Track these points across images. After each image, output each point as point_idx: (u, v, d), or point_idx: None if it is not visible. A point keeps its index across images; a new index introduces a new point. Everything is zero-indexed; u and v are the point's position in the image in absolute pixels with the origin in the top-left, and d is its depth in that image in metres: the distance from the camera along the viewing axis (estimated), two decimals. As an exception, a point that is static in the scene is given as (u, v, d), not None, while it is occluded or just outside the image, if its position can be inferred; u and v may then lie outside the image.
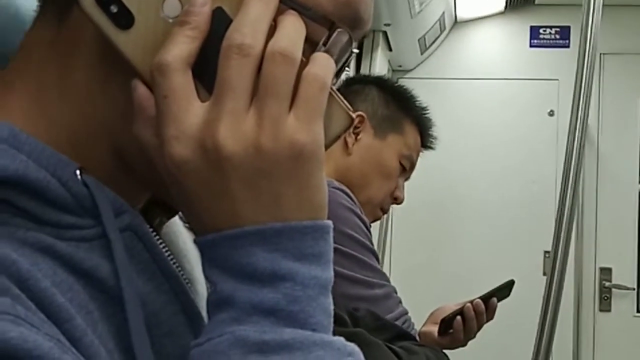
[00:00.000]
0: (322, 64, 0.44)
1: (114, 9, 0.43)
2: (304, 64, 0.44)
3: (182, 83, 0.43)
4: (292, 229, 0.43)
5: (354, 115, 0.47)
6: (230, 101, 0.42)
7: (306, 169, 0.43)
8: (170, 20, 0.44)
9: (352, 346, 0.44)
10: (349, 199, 1.42)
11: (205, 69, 0.44)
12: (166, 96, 0.43)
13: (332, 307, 0.45)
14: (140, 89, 0.44)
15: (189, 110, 0.43)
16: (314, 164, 0.43)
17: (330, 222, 0.45)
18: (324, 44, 0.47)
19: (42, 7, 0.51)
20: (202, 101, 0.43)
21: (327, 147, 0.45)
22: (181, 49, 0.43)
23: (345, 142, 1.56)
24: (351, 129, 1.56)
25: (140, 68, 0.44)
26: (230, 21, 0.44)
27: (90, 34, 0.46)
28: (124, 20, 0.44)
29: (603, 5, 1.96)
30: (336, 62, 0.49)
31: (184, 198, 0.45)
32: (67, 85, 0.48)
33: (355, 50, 0.52)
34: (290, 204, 0.43)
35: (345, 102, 0.46)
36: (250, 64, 0.43)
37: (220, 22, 0.44)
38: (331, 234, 0.46)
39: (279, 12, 0.45)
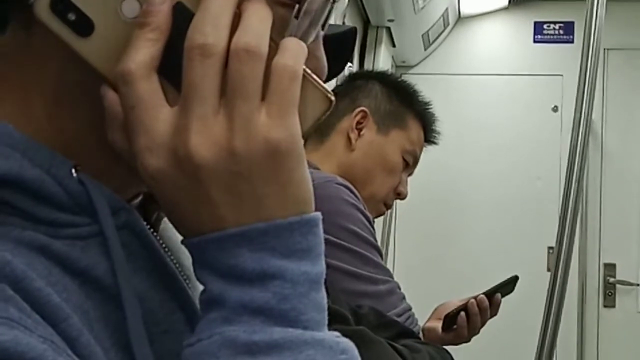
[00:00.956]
0: (292, 51, 0.43)
1: (71, 16, 0.42)
2: (274, 50, 0.42)
3: (148, 91, 0.41)
4: (277, 227, 0.42)
5: (332, 97, 0.44)
6: (198, 105, 0.41)
7: (286, 166, 0.42)
8: (131, 21, 0.42)
9: (346, 342, 0.44)
10: (352, 195, 1.41)
11: (172, 69, 0.42)
12: (133, 106, 0.42)
13: (325, 301, 0.44)
14: (110, 96, 0.43)
15: (158, 119, 0.41)
16: (294, 159, 0.42)
17: (318, 214, 0.44)
18: (296, 17, 0.46)
19: (8, 14, 0.49)
20: (173, 103, 0.42)
21: (308, 133, 0.44)
22: (143, 53, 0.41)
23: (349, 138, 1.56)
24: (354, 125, 1.56)
25: (107, 74, 0.43)
26: (192, 15, 0.42)
27: (57, 42, 0.44)
28: (84, 27, 0.42)
29: (607, 0, 1.95)
30: (315, 20, 0.47)
31: (165, 205, 0.44)
32: (46, 90, 0.47)
33: None
34: (274, 203, 0.42)
35: (322, 83, 0.44)
36: (214, 65, 0.41)
37: (181, 18, 0.42)
38: (320, 227, 0.45)
39: None
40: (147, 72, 0.41)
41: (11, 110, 0.47)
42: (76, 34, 0.42)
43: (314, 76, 0.44)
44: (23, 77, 0.47)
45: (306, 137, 0.44)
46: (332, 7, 0.49)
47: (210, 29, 0.41)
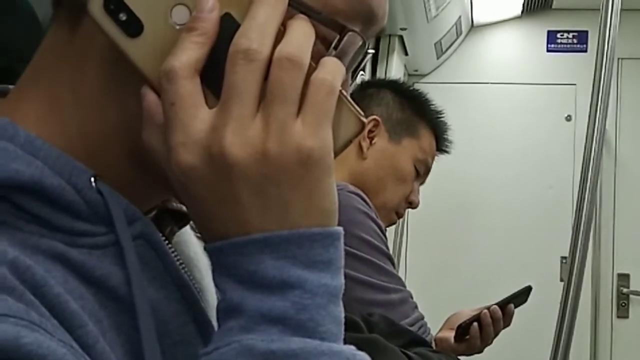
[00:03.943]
0: (331, 69, 0.44)
1: (122, 16, 0.43)
2: (313, 69, 0.43)
3: (189, 90, 0.42)
4: (300, 236, 0.43)
5: (365, 120, 0.46)
6: (237, 107, 0.42)
7: (314, 175, 0.42)
8: (179, 27, 0.44)
9: (362, 355, 0.44)
10: (364, 203, 1.41)
11: (214, 75, 0.43)
12: (174, 103, 0.42)
13: (342, 315, 0.44)
14: (149, 96, 0.44)
15: (196, 117, 0.42)
16: (323, 170, 0.43)
17: (340, 229, 0.45)
18: (335, 48, 0.47)
19: (55, 12, 0.50)
20: (210, 107, 0.43)
21: (338, 152, 0.44)
22: (189, 55, 0.43)
23: (360, 147, 1.56)
24: (366, 133, 1.56)
25: (150, 75, 0.44)
26: (239, 26, 0.43)
27: (101, 41, 0.46)
28: (133, 28, 0.44)
29: (621, 9, 1.95)
30: (349, 65, 0.48)
31: (192, 205, 0.45)
32: (79, 91, 0.48)
33: (371, 51, 0.52)
34: (298, 211, 0.43)
35: (356, 106, 0.45)
36: (256, 70, 0.42)
37: (228, 27, 0.43)
38: (342, 241, 0.45)
39: (288, 16, 0.44)
40: (191, 73, 0.43)
41: (40, 109, 0.48)
42: (125, 33, 0.44)
43: (349, 98, 0.45)
44: (57, 76, 0.48)
45: (336, 156, 0.44)
46: (366, 55, 0.50)
47: (255, 35, 0.42)
